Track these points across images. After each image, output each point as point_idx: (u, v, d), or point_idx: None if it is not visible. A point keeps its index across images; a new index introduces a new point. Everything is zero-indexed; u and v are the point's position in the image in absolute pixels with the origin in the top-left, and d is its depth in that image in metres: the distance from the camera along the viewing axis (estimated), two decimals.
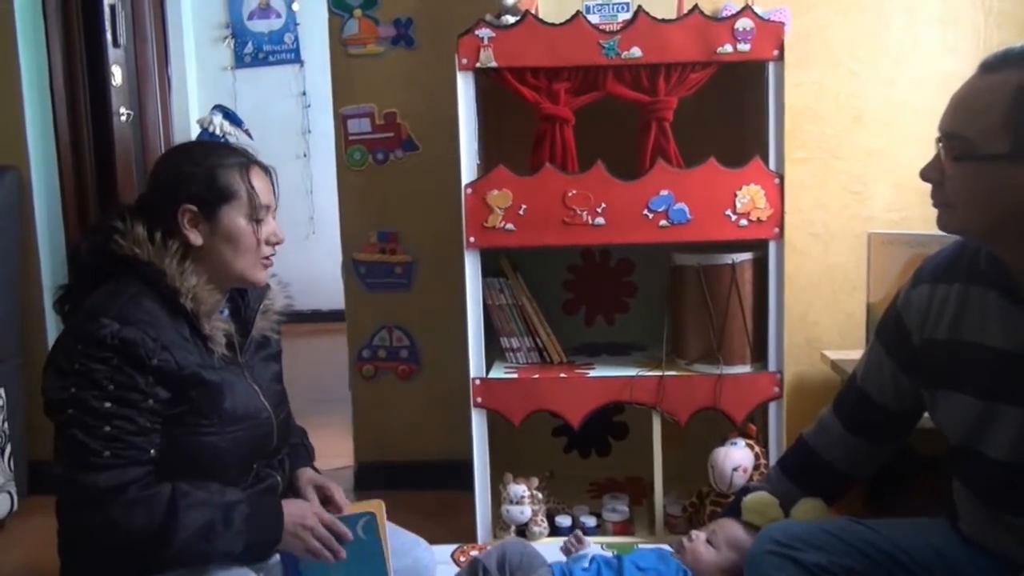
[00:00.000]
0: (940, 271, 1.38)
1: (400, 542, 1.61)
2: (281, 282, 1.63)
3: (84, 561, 1.37)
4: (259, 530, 1.39)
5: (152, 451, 1.33)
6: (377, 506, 1.54)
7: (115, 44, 3.38)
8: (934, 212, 1.28)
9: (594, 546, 1.84)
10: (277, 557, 1.50)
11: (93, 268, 1.42)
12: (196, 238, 1.43)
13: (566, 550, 1.84)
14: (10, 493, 2.53)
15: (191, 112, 5.13)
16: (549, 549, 1.90)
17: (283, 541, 1.42)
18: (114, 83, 3.33)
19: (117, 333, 1.31)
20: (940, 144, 1.24)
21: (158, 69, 4.01)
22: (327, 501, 1.57)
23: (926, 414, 1.45)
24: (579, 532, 1.88)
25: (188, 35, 5.29)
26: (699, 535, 1.67)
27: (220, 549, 1.35)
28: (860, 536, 1.42)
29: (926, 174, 1.27)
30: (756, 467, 2.08)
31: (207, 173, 1.43)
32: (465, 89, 2.11)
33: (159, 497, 1.30)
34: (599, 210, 2.09)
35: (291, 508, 1.46)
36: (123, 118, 3.41)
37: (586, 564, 1.72)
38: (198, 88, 5.34)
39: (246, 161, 1.48)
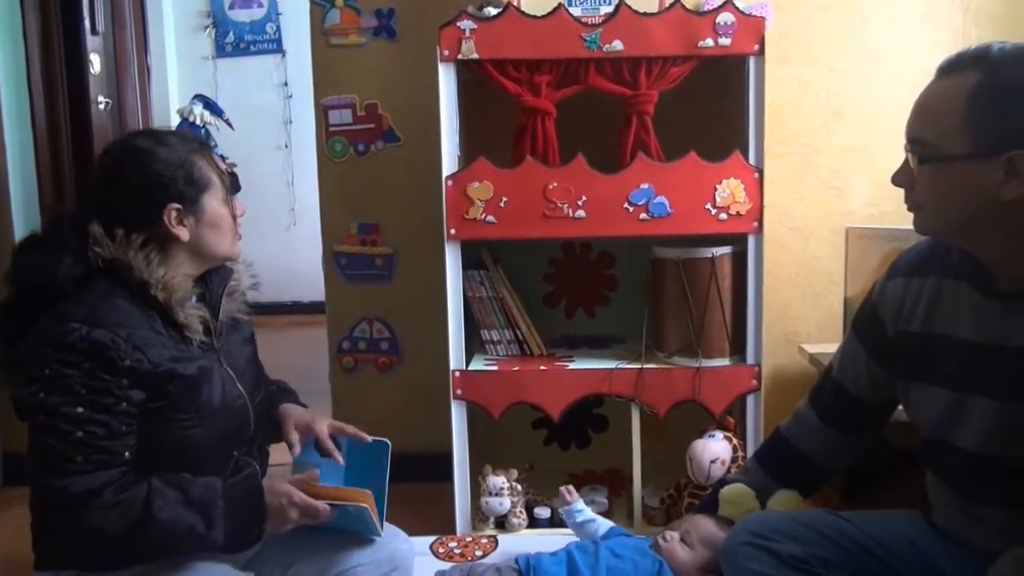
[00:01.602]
0: (915, 264, 1.40)
1: None
2: (245, 261, 1.60)
3: (58, 555, 1.36)
4: (239, 522, 1.36)
5: (126, 453, 1.32)
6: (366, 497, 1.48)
7: (93, 32, 3.34)
8: None
9: (580, 502, 1.90)
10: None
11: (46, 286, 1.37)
12: (184, 233, 1.42)
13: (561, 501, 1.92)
14: None
15: (171, 101, 5.08)
16: (529, 542, 1.91)
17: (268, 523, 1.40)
18: (92, 71, 3.29)
19: (87, 336, 1.28)
20: (908, 149, 1.26)
21: (137, 57, 3.97)
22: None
23: (901, 407, 1.47)
24: (570, 487, 1.91)
25: (168, 24, 5.24)
26: (673, 535, 1.68)
27: (199, 546, 1.34)
28: (835, 528, 1.43)
29: (897, 180, 1.30)
30: (734, 459, 2.10)
31: (183, 168, 1.42)
32: (446, 81, 2.10)
33: (134, 500, 1.29)
34: (580, 203, 2.09)
35: (270, 496, 1.41)
36: (101, 106, 3.37)
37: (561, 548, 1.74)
38: (178, 77, 5.30)
39: (198, 145, 1.48)
